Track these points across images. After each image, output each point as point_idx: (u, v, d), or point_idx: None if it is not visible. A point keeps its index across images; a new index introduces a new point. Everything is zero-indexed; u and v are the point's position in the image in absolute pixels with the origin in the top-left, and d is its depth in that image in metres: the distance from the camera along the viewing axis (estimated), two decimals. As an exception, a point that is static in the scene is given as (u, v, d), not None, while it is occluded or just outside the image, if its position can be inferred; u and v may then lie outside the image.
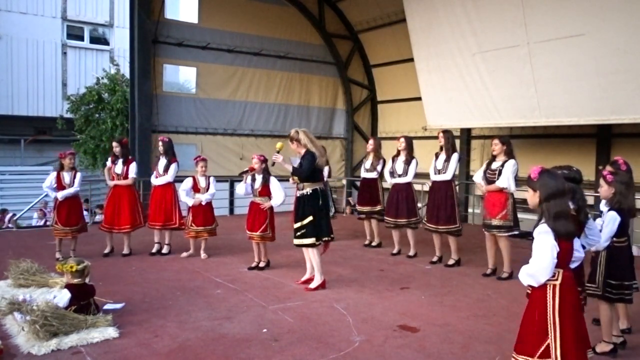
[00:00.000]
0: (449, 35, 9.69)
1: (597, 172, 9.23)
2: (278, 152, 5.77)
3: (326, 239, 5.89)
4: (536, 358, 2.91)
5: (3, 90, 18.80)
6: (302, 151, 5.76)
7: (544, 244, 2.87)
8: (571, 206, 3.88)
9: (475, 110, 9.70)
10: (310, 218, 5.74)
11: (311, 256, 5.89)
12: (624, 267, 4.17)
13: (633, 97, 7.48)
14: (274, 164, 5.91)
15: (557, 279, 2.91)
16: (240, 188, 6.70)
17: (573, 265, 3.06)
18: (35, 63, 19.38)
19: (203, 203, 7.31)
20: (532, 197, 3.01)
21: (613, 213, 4.08)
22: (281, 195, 6.56)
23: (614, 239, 4.12)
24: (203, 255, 7.39)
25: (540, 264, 2.87)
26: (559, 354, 2.86)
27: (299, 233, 5.81)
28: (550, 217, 2.89)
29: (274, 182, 6.62)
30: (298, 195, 5.92)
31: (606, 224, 4.08)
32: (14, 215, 12.64)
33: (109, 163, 7.59)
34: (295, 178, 5.84)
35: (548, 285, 2.92)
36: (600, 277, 4.15)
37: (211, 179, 7.46)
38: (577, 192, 3.94)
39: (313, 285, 5.84)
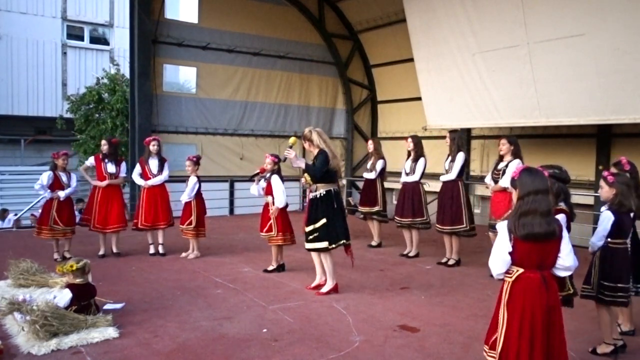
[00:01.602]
0: (449, 35, 9.68)
1: (597, 172, 9.22)
2: (291, 148, 5.63)
3: (344, 242, 5.62)
4: (488, 347, 3.00)
5: (3, 90, 18.77)
6: (315, 151, 5.62)
7: (499, 239, 2.96)
8: (563, 206, 3.89)
9: (475, 110, 9.70)
10: (324, 221, 5.51)
11: (323, 260, 5.69)
12: (619, 269, 4.09)
13: (633, 97, 7.48)
14: (285, 159, 5.78)
15: (511, 277, 2.93)
16: (253, 189, 6.66)
17: (560, 274, 3.02)
18: (35, 63, 19.34)
19: (181, 201, 7.38)
20: (514, 195, 3.04)
21: (608, 212, 4.07)
22: (279, 193, 6.37)
23: (609, 239, 4.08)
24: (191, 254, 7.38)
25: (492, 258, 2.98)
26: (500, 349, 2.89)
27: (311, 237, 5.60)
28: (515, 215, 2.91)
29: (273, 180, 6.46)
30: (311, 197, 5.69)
31: (599, 223, 4.08)
32: (15, 214, 12.65)
33: (89, 162, 7.56)
34: (308, 179, 5.66)
35: (505, 281, 2.98)
36: (594, 278, 4.11)
37: (191, 178, 7.38)
38: (567, 193, 3.94)
39: (325, 289, 5.69)
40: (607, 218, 4.06)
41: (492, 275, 3.12)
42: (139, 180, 7.58)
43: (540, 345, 2.84)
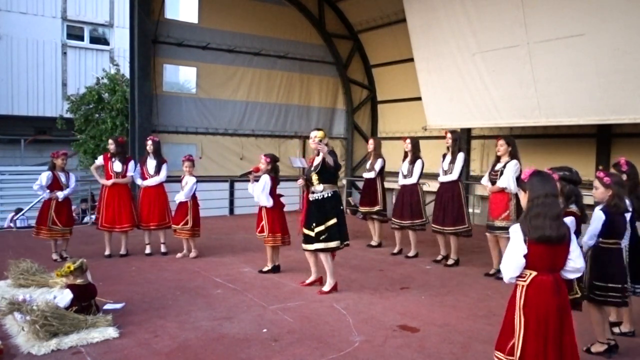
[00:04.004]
0: (449, 35, 9.68)
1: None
2: (321, 142, 5.54)
3: (347, 242, 5.80)
4: (506, 355, 2.96)
5: (3, 90, 18.78)
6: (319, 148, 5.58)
7: (512, 243, 2.93)
8: (574, 208, 3.88)
9: (475, 110, 9.70)
10: (335, 220, 5.59)
11: (324, 259, 5.72)
12: (612, 269, 4.06)
13: (633, 97, 7.48)
14: (323, 157, 5.60)
15: (525, 280, 2.91)
16: (251, 189, 6.58)
17: (570, 276, 3.01)
18: (35, 63, 19.34)
19: (176, 201, 7.35)
20: (523, 197, 3.04)
21: (599, 212, 4.05)
22: (257, 192, 6.34)
23: (600, 239, 4.07)
24: (191, 254, 7.37)
25: (506, 262, 2.94)
26: (519, 354, 2.87)
27: (322, 237, 5.59)
28: (527, 218, 2.90)
29: (261, 180, 6.43)
30: (316, 197, 5.68)
31: (591, 222, 4.05)
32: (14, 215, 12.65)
33: (98, 161, 7.58)
34: (314, 179, 5.63)
35: (518, 285, 2.96)
36: (585, 277, 4.07)
37: (190, 179, 7.37)
38: (579, 195, 3.93)
39: (326, 288, 5.73)
40: (598, 218, 4.05)
41: (501, 278, 3.10)
42: (138, 180, 7.64)
43: (553, 348, 2.85)
